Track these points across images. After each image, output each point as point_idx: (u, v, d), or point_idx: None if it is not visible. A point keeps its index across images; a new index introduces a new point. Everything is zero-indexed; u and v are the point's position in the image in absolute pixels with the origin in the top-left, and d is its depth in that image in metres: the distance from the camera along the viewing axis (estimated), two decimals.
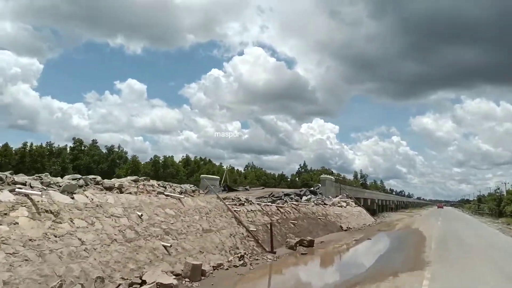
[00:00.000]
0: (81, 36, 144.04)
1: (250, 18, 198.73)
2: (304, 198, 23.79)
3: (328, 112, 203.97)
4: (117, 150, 78.99)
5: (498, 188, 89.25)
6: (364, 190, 47.85)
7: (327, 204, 25.59)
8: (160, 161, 77.85)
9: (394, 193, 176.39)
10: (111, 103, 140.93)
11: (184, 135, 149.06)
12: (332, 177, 32.92)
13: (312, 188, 29.24)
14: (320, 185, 30.78)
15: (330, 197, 28.14)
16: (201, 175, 39.33)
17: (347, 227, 22.01)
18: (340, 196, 30.83)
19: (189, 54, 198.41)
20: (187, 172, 79.85)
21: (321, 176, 31.29)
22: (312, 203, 22.78)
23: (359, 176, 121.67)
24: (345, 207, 27.06)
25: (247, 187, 34.88)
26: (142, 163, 75.83)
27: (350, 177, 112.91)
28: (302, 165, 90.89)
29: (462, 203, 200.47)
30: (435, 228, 24.94)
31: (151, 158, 76.37)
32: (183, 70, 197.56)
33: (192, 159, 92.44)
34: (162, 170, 70.17)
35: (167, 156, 79.90)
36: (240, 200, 14.94)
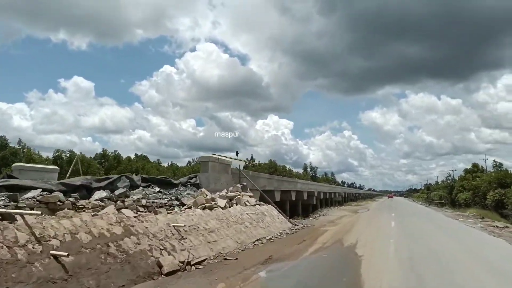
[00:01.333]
0: (20, 31, 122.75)
1: (201, 14, 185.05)
2: (97, 195, 10.20)
3: (283, 108, 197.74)
4: (16, 146, 63.08)
5: (449, 176, 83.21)
6: (297, 180, 35.59)
7: (184, 205, 12.41)
8: (64, 157, 62.61)
9: (346, 185, 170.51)
10: (56, 102, 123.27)
11: (136, 134, 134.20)
12: (227, 158, 19.70)
13: (162, 177, 15.99)
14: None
15: (204, 189, 14.89)
16: (14, 164, 24.22)
17: (183, 262, 8.79)
18: (231, 188, 17.72)
19: (139, 50, 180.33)
20: (104, 168, 67.38)
21: (201, 157, 18.08)
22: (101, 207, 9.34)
23: (308, 169, 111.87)
24: (223, 208, 13.89)
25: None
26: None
27: (300, 170, 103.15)
28: (249, 159, 78.09)
29: (410, 193, 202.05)
30: (389, 241, 12.72)
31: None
32: (133, 66, 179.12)
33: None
34: (66, 168, 55.81)
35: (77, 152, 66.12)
36: None
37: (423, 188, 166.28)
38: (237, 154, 22.32)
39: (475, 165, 76.34)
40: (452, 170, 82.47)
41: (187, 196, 13.58)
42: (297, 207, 36.56)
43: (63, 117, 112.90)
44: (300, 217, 29.96)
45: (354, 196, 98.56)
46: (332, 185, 59.26)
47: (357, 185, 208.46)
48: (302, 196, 36.17)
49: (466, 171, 75.22)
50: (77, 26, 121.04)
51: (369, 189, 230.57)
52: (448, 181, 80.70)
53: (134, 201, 10.71)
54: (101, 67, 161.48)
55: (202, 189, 15.15)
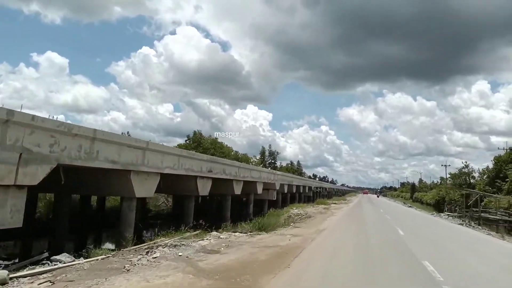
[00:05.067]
0: None
1: None
2: None
3: (262, 99, 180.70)
4: None
5: (467, 166, 52.33)
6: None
7: None
8: None
9: (317, 179, 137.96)
10: (27, 76, 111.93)
11: (111, 116, 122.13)
12: None
13: None
14: None
15: None
16: None
17: None
18: None
19: (116, 29, 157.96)
20: None
21: None
22: None
23: (267, 153, 78.64)
24: None
25: None
26: None
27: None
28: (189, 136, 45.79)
29: (386, 191, 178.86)
30: None
31: None
32: (110, 45, 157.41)
33: None
34: None
35: None
36: None
37: (399, 186, 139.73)
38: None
39: None
40: (466, 162, 51.27)
41: None
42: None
43: (33, 93, 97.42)
44: None
45: (315, 192, 66.53)
46: (221, 159, 23.27)
47: (330, 180, 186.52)
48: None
49: (497, 159, 44.58)
50: None
51: (343, 185, 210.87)
52: (463, 171, 50.09)
53: None
54: (77, 44, 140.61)
55: None
